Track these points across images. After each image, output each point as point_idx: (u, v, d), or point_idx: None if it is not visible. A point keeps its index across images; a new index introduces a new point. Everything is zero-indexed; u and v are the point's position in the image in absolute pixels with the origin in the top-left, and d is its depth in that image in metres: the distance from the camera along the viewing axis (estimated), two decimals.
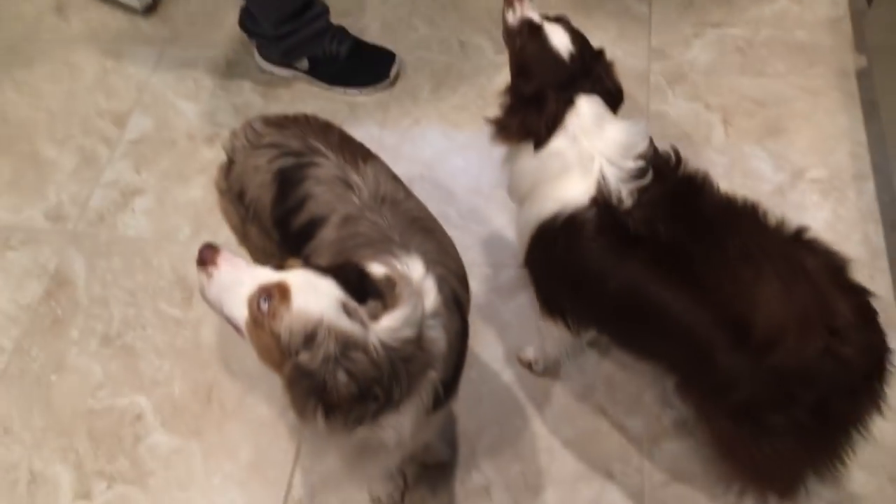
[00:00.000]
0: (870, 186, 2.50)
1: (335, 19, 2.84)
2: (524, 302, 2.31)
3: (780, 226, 1.62)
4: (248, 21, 2.82)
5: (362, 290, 1.36)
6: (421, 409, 1.44)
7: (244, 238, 1.89)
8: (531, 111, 1.71)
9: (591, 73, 1.72)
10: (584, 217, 1.65)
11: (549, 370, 2.18)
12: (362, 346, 1.30)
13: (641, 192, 1.64)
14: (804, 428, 1.53)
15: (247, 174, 1.79)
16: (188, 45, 3.06)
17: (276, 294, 1.32)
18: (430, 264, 1.49)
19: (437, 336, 1.43)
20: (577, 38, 1.75)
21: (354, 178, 1.68)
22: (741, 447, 1.64)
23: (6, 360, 2.31)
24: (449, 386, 1.53)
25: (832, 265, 1.58)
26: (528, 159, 1.74)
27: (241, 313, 1.37)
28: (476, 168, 2.64)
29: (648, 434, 2.09)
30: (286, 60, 2.86)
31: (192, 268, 2.41)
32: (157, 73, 2.98)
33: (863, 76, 2.76)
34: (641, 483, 2.01)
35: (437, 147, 2.71)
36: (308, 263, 1.41)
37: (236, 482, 2.07)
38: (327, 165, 1.70)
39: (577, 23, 1.83)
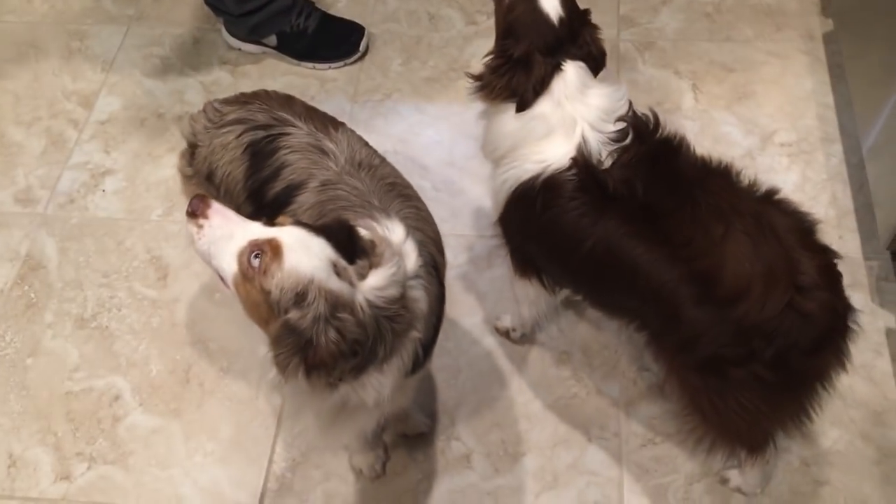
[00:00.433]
0: (837, 148, 2.54)
1: None
2: (500, 272, 2.33)
3: (751, 186, 1.66)
4: None
5: (352, 248, 1.37)
6: (401, 369, 1.46)
7: None
8: (518, 73, 1.71)
9: (577, 37, 1.73)
10: (564, 177, 1.68)
11: (526, 337, 2.20)
12: (350, 307, 1.32)
13: (621, 153, 1.66)
14: (767, 381, 1.56)
15: (214, 154, 1.80)
16: (154, 23, 3.03)
17: (268, 251, 1.32)
18: (409, 229, 1.51)
19: (419, 296, 1.46)
20: (566, 0, 1.75)
21: (329, 144, 1.69)
22: (707, 401, 1.67)
23: None
24: (427, 348, 1.57)
25: (801, 226, 1.61)
26: (510, 120, 1.75)
27: (229, 266, 1.37)
28: (449, 140, 2.64)
29: (625, 398, 2.11)
30: (253, 37, 2.84)
31: (165, 247, 2.44)
32: (123, 52, 2.94)
33: (829, 40, 2.79)
34: (619, 446, 2.04)
35: (410, 120, 2.71)
36: (300, 221, 1.42)
37: (217, 459, 2.08)
38: (298, 134, 1.71)
39: None
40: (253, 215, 1.69)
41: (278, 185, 1.67)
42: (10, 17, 3.08)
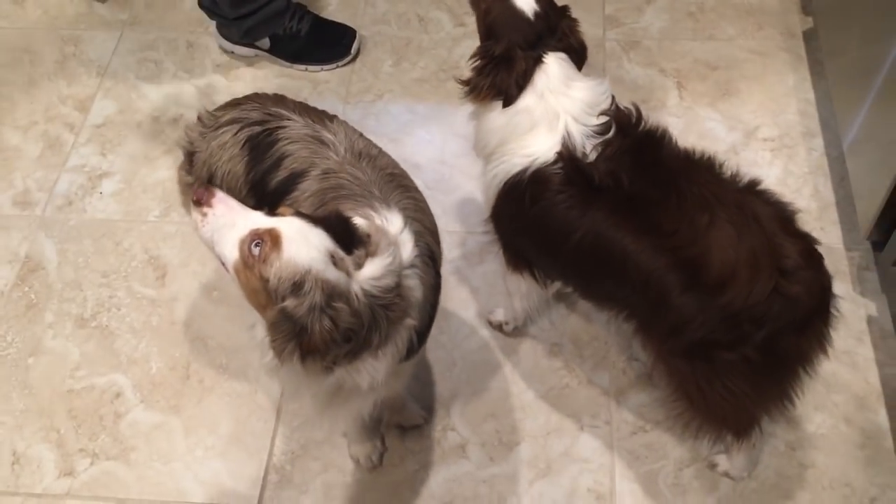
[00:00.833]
0: (819, 143, 2.60)
1: None
2: (492, 268, 2.38)
3: (734, 177, 1.71)
4: (207, 1, 2.83)
5: (349, 238, 1.42)
6: (396, 354, 1.51)
7: None
8: (502, 70, 1.76)
9: (555, 30, 1.78)
10: (551, 171, 1.72)
11: (518, 330, 2.25)
12: (345, 296, 1.37)
13: (605, 146, 1.71)
14: (753, 365, 1.61)
15: (213, 156, 1.83)
16: (147, 28, 3.07)
17: (268, 240, 1.37)
18: (407, 220, 1.56)
19: (414, 285, 1.50)
20: None
21: (327, 135, 1.73)
22: (694, 386, 1.71)
23: None
24: (421, 335, 1.61)
25: (782, 214, 1.67)
26: (497, 116, 1.80)
27: (231, 254, 1.41)
28: (440, 139, 2.69)
29: (615, 388, 2.17)
30: (247, 40, 2.88)
31: (163, 247, 2.48)
32: (117, 57, 2.98)
33: (809, 37, 2.85)
34: (610, 433, 2.09)
35: (401, 120, 2.75)
36: (300, 212, 1.46)
37: (218, 453, 2.12)
38: (296, 126, 1.75)
39: None
40: (256, 208, 1.74)
41: (281, 174, 1.71)
42: (2, 23, 3.11)
